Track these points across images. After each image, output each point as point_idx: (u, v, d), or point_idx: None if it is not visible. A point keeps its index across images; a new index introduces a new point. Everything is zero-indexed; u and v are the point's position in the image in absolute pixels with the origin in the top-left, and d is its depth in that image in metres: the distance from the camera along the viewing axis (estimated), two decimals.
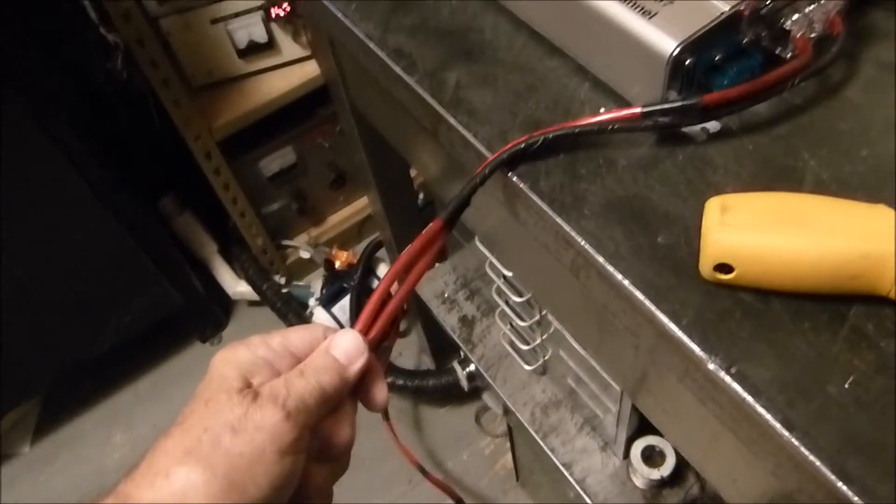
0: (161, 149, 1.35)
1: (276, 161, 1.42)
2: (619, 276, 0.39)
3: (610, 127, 0.42)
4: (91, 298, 1.30)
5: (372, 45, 0.54)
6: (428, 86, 0.50)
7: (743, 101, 0.42)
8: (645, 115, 0.42)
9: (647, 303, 0.38)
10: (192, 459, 0.33)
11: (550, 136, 0.43)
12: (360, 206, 1.59)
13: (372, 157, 0.95)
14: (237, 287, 1.50)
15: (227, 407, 0.35)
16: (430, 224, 0.42)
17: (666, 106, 0.42)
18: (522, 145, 0.43)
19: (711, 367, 0.35)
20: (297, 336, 0.40)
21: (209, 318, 1.52)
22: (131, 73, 1.18)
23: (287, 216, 1.53)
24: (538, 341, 0.95)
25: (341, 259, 1.52)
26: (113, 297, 1.33)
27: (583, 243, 0.41)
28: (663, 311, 0.37)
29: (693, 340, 0.36)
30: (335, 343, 0.39)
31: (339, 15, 0.57)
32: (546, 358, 0.97)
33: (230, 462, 0.34)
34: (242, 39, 1.26)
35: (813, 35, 0.44)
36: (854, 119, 0.44)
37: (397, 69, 0.52)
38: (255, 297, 1.49)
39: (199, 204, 1.47)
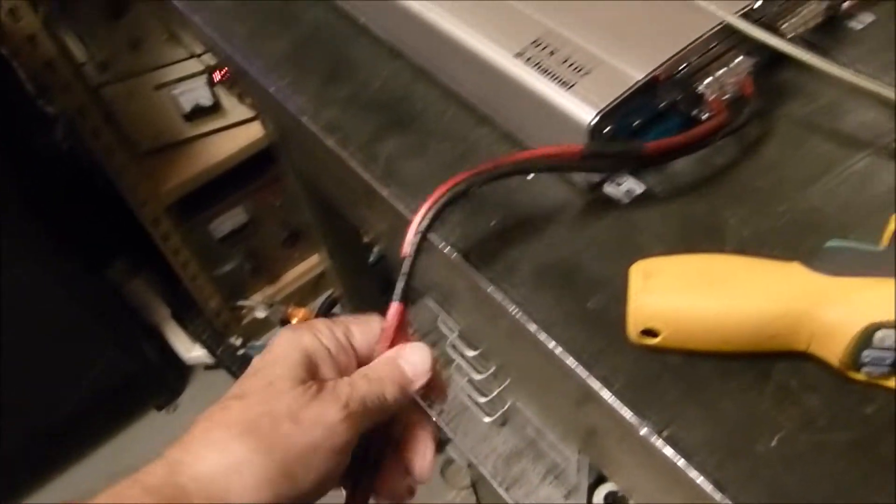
0: (109, 215, 1.34)
1: (226, 222, 1.42)
2: (552, 344, 0.40)
3: (548, 163, 0.43)
4: (39, 370, 1.27)
5: (304, 120, 0.54)
6: (360, 159, 0.51)
7: (677, 152, 0.43)
8: (585, 156, 0.42)
9: (580, 370, 0.38)
10: (251, 438, 0.33)
11: (483, 176, 0.41)
12: (314, 261, 1.58)
13: (319, 217, 0.95)
14: (192, 352, 1.48)
15: (290, 394, 0.35)
16: (390, 313, 0.41)
17: (608, 149, 0.43)
18: (446, 197, 0.42)
19: (643, 432, 0.36)
20: (357, 330, 0.40)
21: (164, 385, 1.49)
22: (74, 143, 1.18)
23: (241, 276, 1.51)
24: (496, 393, 0.95)
25: (298, 316, 1.51)
26: (62, 368, 1.30)
27: (514, 312, 0.41)
28: (595, 378, 0.38)
29: (625, 406, 0.37)
30: (405, 355, 0.39)
31: (272, 90, 0.57)
32: (505, 409, 0.97)
33: (287, 449, 0.34)
34: (188, 103, 1.26)
35: (726, 97, 0.46)
36: (771, 175, 0.46)
37: (330, 143, 0.53)
38: (211, 360, 1.47)
39: (151, 268, 1.45)
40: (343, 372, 0.38)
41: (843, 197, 0.44)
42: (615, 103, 0.42)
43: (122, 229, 1.35)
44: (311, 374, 0.37)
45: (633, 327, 0.37)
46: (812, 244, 0.41)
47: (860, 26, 0.53)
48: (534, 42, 0.46)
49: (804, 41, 0.49)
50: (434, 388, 0.41)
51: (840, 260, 0.37)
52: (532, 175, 0.47)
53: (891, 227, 0.39)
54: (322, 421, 0.35)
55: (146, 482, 0.32)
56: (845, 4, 0.53)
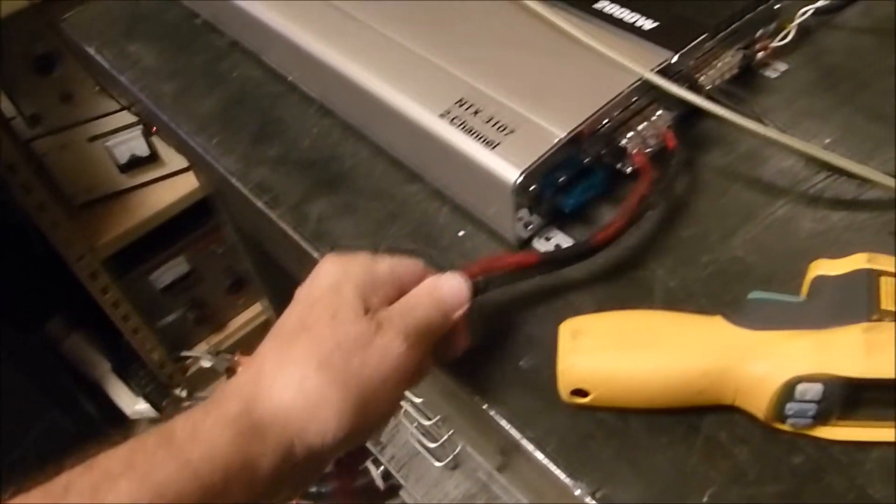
0: (44, 271, 1.30)
1: (168, 272, 1.39)
2: (485, 406, 0.39)
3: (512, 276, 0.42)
4: None
5: (234, 181, 0.54)
6: (291, 220, 0.50)
7: (622, 232, 0.44)
8: (541, 263, 0.43)
9: (513, 431, 0.38)
10: (327, 374, 0.33)
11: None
12: (261, 307, 1.56)
13: (259, 267, 0.94)
14: (135, 406, 1.43)
15: (355, 327, 0.34)
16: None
17: (560, 254, 0.44)
18: None
19: (577, 493, 0.36)
20: (403, 266, 0.39)
21: (107, 442, 1.44)
22: (4, 198, 1.14)
23: (184, 326, 1.48)
24: (445, 437, 0.94)
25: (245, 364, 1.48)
26: None
27: (447, 374, 0.41)
28: (529, 440, 0.38)
29: (559, 467, 0.37)
30: (442, 284, 0.38)
31: (201, 151, 0.57)
32: (456, 453, 0.96)
33: (360, 383, 0.33)
34: (123, 155, 1.24)
35: (648, 150, 0.47)
36: (695, 225, 0.47)
37: (260, 204, 0.52)
38: (156, 414, 1.43)
39: (90, 323, 1.41)
40: (389, 302, 0.37)
41: (766, 245, 0.45)
42: (539, 162, 0.42)
43: (58, 285, 1.31)
44: (367, 305, 0.35)
45: (563, 388, 0.37)
46: (736, 294, 0.42)
47: (775, 75, 0.55)
48: (458, 102, 0.46)
49: (722, 92, 0.50)
50: (460, 327, 0.40)
51: (761, 312, 0.37)
52: (462, 232, 0.48)
53: (809, 277, 0.40)
54: (389, 353, 0.34)
55: (222, 414, 0.32)
56: (760, 55, 0.55)
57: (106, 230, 1.25)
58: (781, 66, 0.56)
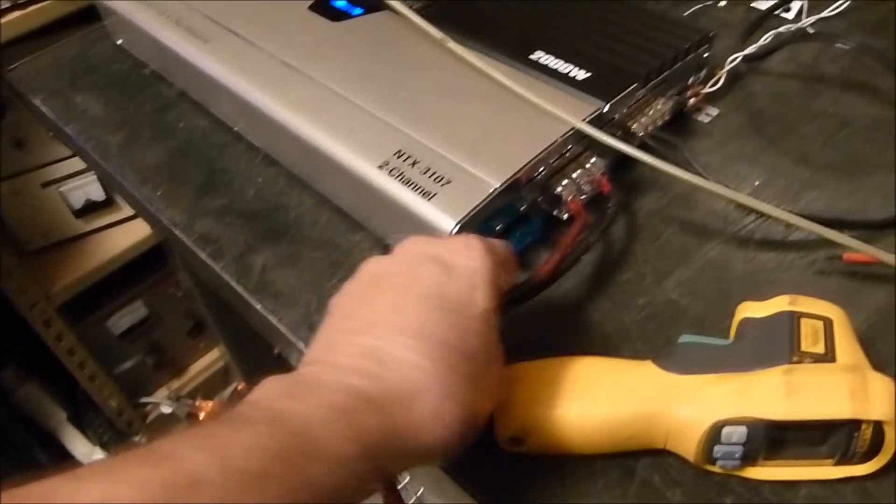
0: None
1: (125, 317, 1.37)
2: None
3: None
4: None
5: (178, 233, 0.54)
6: (234, 271, 0.51)
7: (559, 266, 0.44)
8: None
9: (452, 476, 0.39)
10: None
11: None
12: (223, 350, 1.54)
13: (215, 312, 0.94)
14: (92, 456, 1.40)
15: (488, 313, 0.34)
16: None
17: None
18: None
19: None
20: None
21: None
22: None
23: (143, 372, 1.46)
24: (403, 484, 0.94)
25: (206, 409, 1.46)
26: None
27: None
28: (465, 484, 0.38)
29: None
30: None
31: (145, 203, 0.57)
32: (419, 494, 0.96)
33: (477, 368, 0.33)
34: (79, 200, 1.23)
35: (584, 196, 0.48)
36: (631, 269, 0.48)
37: (203, 256, 0.52)
38: None
39: (44, 371, 1.38)
40: None
41: (699, 287, 0.46)
42: (474, 212, 0.43)
43: (10, 333, 1.29)
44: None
45: (500, 436, 0.38)
46: (670, 337, 0.43)
47: (707, 119, 0.57)
48: (396, 153, 0.47)
49: (654, 138, 0.52)
50: None
51: (690, 356, 0.38)
52: None
53: (736, 319, 0.41)
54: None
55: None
56: (692, 101, 0.57)
57: (60, 276, 1.24)
58: (713, 111, 0.58)
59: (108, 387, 1.37)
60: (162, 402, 1.48)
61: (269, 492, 0.25)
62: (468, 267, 0.35)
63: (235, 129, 0.60)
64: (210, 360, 1.54)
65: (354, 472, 0.28)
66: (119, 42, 0.72)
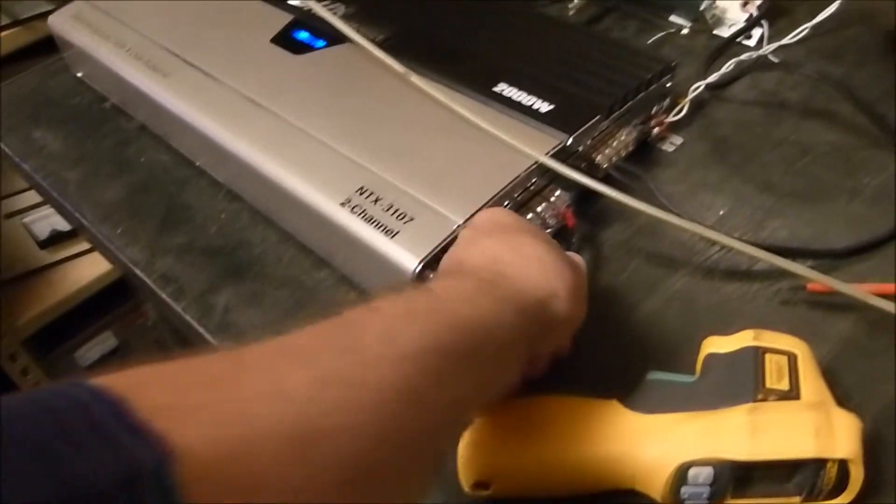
0: None
1: (94, 349, 1.34)
2: None
3: None
4: None
5: (138, 272, 0.53)
6: (195, 311, 0.50)
7: None
8: None
9: None
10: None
11: None
12: None
13: (182, 344, 0.92)
14: None
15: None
16: None
17: None
18: None
19: None
20: None
21: None
22: None
23: None
24: None
25: None
26: None
27: None
28: None
29: None
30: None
31: (105, 241, 0.56)
32: None
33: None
34: (43, 231, 1.21)
35: (549, 230, 0.48)
36: (598, 303, 0.47)
37: (164, 295, 0.51)
38: None
39: None
40: None
41: (665, 320, 0.46)
42: (437, 250, 0.43)
43: None
44: None
45: (465, 481, 0.37)
46: (637, 373, 0.42)
47: (672, 149, 0.58)
48: (359, 190, 0.46)
49: (619, 169, 0.52)
50: None
51: (656, 395, 0.38)
52: None
53: (702, 354, 0.41)
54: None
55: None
56: (655, 130, 0.57)
57: (26, 309, 1.21)
58: (677, 140, 0.58)
59: None
60: None
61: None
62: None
63: (198, 163, 0.59)
64: None
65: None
66: (79, 74, 0.71)
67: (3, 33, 0.93)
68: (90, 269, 1.26)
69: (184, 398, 0.23)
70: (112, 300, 1.32)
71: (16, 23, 0.93)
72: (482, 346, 0.31)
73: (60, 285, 1.25)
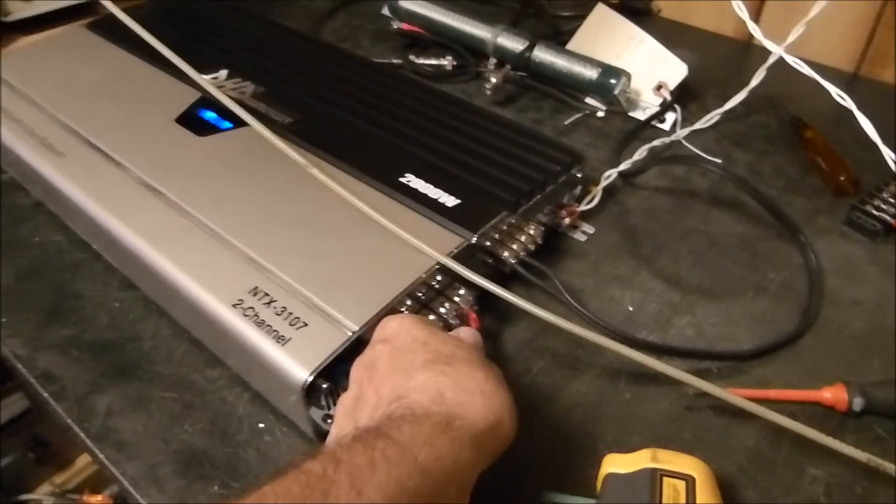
0: None
1: (3, 410, 1.27)
2: None
3: None
4: None
5: (20, 367, 0.50)
6: (76, 414, 0.46)
7: None
8: None
9: None
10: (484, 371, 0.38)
11: None
12: None
13: None
14: None
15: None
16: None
17: None
18: None
19: None
20: None
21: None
22: None
23: (24, 467, 1.35)
24: None
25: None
26: None
27: None
28: None
29: None
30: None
31: None
32: None
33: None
34: None
35: (451, 331, 0.47)
36: None
37: (45, 394, 0.48)
38: None
39: None
40: None
41: (567, 429, 0.45)
42: (329, 359, 0.41)
43: None
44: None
45: None
46: (533, 493, 0.41)
47: (583, 238, 0.57)
48: (252, 290, 0.44)
49: (525, 265, 0.51)
50: None
51: None
52: (262, 424, 0.45)
53: (601, 473, 0.39)
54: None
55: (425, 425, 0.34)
56: (566, 221, 0.56)
57: None
58: (589, 229, 0.58)
59: None
60: (44, 499, 1.38)
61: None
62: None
63: (94, 246, 0.56)
64: None
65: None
66: None
67: None
68: None
69: None
70: None
71: None
72: (444, 487, 0.32)
73: None
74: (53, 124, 0.59)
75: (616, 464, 0.39)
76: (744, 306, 0.52)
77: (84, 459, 1.44)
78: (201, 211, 0.50)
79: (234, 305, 0.44)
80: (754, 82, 0.62)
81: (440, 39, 0.80)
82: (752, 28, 0.57)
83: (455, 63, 0.77)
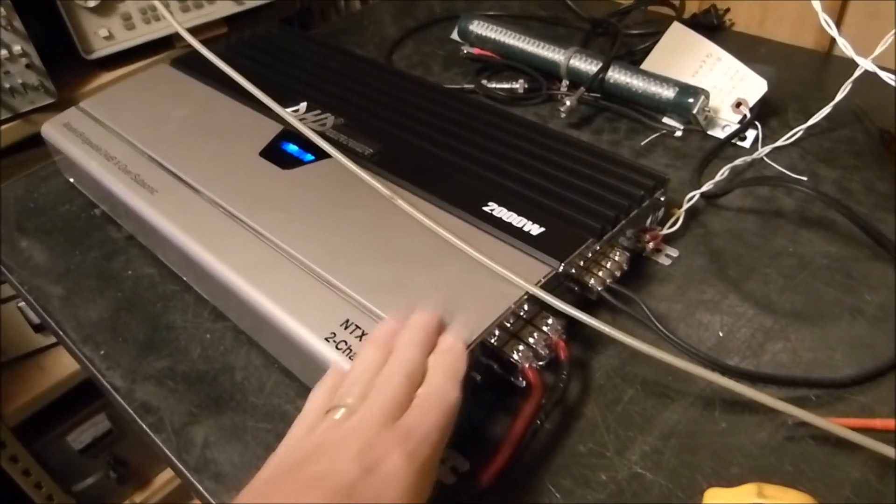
0: None
1: (87, 432, 1.32)
2: None
3: None
4: None
5: (119, 399, 0.51)
6: (174, 446, 0.48)
7: (508, 462, 0.42)
8: None
9: None
10: None
11: None
12: None
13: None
14: None
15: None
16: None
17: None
18: None
19: None
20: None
21: None
22: None
23: (106, 487, 1.39)
24: None
25: None
26: None
27: None
28: None
29: None
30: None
31: (87, 363, 0.54)
32: None
33: None
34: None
35: (541, 362, 0.46)
36: (591, 439, 0.45)
37: (144, 426, 0.49)
38: None
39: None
40: None
41: (663, 459, 0.44)
42: None
43: None
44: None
45: None
46: None
47: (668, 262, 0.56)
48: (343, 323, 0.45)
49: (612, 291, 0.51)
50: None
51: None
52: None
53: None
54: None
55: None
56: (650, 245, 0.55)
57: (17, 395, 1.19)
58: (673, 252, 0.57)
59: None
60: None
61: None
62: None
63: (185, 278, 0.58)
64: None
65: None
66: (70, 179, 0.70)
67: (3, 127, 0.93)
68: None
69: None
70: None
71: (15, 117, 0.93)
72: None
73: (54, 368, 1.23)
74: (144, 160, 0.61)
75: (719, 498, 0.38)
76: (840, 330, 0.50)
77: (162, 478, 1.48)
78: (290, 243, 0.51)
79: (326, 339, 0.44)
80: (840, 96, 0.60)
81: (511, 63, 0.80)
82: (843, 43, 0.56)
83: (527, 86, 0.77)
